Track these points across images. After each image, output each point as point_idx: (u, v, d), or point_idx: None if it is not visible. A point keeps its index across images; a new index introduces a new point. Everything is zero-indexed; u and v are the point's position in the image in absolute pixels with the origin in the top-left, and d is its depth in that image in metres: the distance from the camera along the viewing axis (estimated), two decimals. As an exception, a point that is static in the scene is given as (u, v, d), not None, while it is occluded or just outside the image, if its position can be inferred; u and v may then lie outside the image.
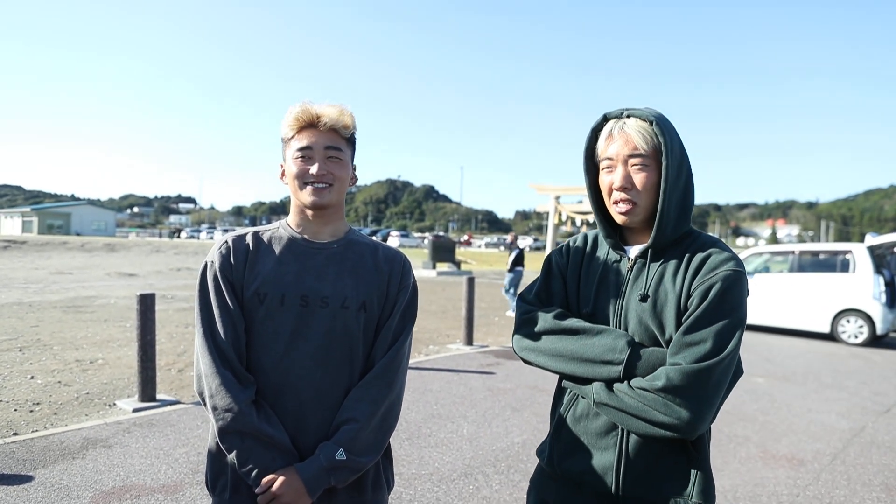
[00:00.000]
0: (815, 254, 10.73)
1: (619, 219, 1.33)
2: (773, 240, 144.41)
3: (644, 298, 1.28)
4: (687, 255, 1.29)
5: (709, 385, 1.15)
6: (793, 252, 10.94)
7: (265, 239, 1.45)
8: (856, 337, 9.70)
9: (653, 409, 1.16)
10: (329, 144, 1.41)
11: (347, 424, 1.33)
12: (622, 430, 1.25)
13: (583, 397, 1.31)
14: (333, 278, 1.42)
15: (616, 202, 1.31)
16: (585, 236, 1.49)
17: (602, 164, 1.34)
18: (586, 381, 1.29)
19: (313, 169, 1.39)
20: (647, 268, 1.32)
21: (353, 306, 1.40)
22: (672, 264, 1.29)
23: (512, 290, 11.83)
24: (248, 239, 1.44)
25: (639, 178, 1.28)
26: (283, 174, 1.48)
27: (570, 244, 1.49)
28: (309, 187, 1.40)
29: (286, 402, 1.34)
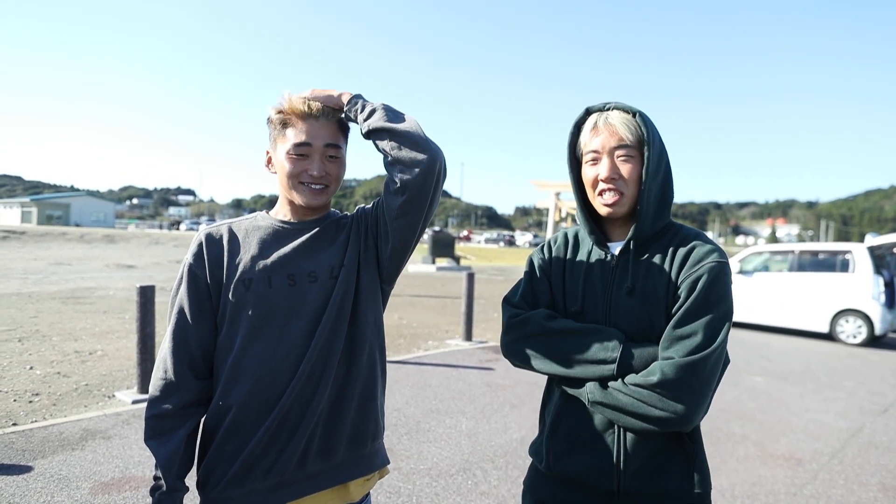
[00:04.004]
0: (815, 253, 10.73)
1: (603, 210, 1.33)
2: (773, 239, 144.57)
3: (631, 292, 1.29)
4: (671, 248, 1.30)
5: (702, 377, 1.17)
6: (792, 251, 10.94)
7: (242, 228, 1.40)
8: (854, 337, 9.71)
9: (648, 404, 1.17)
10: (329, 142, 1.34)
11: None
12: (619, 427, 1.26)
13: (577, 398, 1.31)
14: (317, 252, 1.36)
15: (602, 192, 1.31)
16: (566, 234, 1.49)
17: (586, 158, 1.33)
18: (580, 381, 1.28)
19: (313, 170, 1.32)
20: (631, 262, 1.31)
21: (339, 273, 1.35)
22: (657, 258, 1.30)
23: None
24: (223, 230, 1.39)
25: (625, 169, 1.29)
26: (269, 161, 1.40)
27: (551, 243, 1.48)
28: (304, 188, 1.34)
29: (279, 385, 1.28)
